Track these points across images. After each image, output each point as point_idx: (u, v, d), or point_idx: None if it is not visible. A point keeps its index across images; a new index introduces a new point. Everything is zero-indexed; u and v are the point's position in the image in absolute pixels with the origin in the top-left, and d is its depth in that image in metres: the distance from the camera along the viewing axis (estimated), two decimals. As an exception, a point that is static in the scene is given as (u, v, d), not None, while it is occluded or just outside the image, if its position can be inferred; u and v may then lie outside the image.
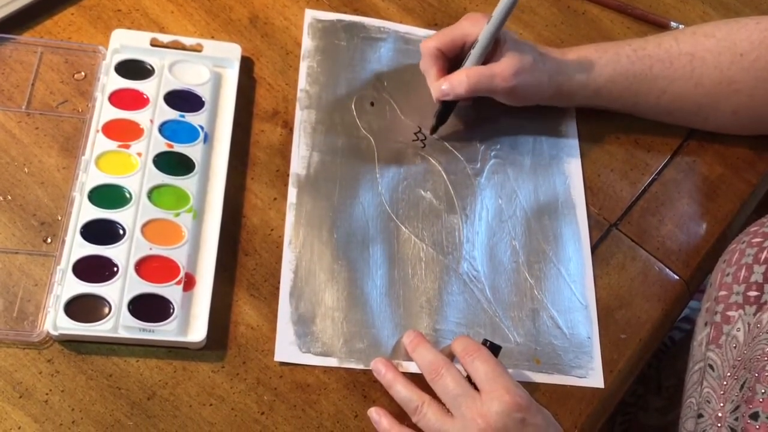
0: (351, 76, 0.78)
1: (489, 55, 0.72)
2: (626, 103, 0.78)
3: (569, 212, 0.76)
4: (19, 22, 0.73)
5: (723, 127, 0.80)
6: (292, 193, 0.71)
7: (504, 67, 0.71)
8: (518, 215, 0.74)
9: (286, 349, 0.64)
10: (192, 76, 0.73)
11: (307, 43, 0.79)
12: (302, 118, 0.75)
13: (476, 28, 0.71)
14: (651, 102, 0.77)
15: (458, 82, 0.71)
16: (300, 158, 0.73)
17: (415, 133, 0.77)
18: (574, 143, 0.80)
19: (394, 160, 0.75)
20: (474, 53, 0.71)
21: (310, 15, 0.81)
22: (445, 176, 0.75)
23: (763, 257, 0.64)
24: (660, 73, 0.75)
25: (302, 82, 0.77)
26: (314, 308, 0.66)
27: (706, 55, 0.75)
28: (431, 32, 0.83)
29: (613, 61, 0.75)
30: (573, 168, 0.78)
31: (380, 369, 0.64)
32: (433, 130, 0.76)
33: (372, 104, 0.77)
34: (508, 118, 0.78)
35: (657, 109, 0.78)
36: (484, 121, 0.78)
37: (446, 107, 0.75)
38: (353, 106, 0.77)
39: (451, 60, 0.74)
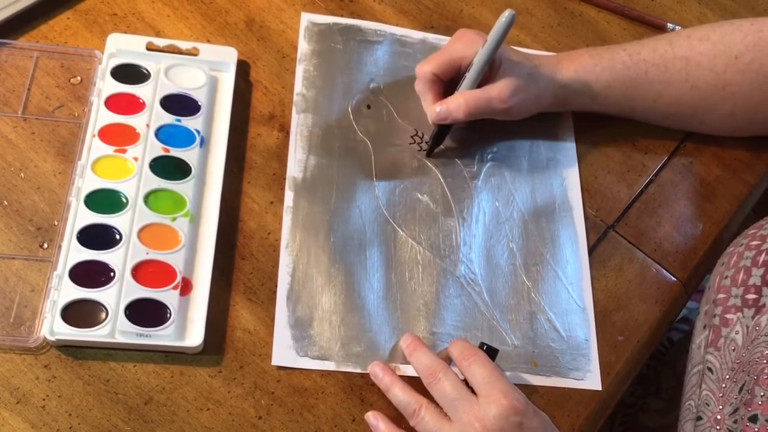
0: (347, 80, 0.78)
1: (484, 77, 0.72)
2: (623, 108, 0.78)
3: (566, 214, 0.76)
4: (14, 26, 0.73)
5: (720, 130, 0.80)
6: (288, 196, 0.71)
7: (500, 89, 0.71)
8: (515, 218, 0.74)
9: (284, 353, 0.64)
10: (188, 80, 0.73)
11: (303, 46, 0.79)
12: (299, 121, 0.75)
13: (471, 50, 0.71)
14: (647, 106, 0.77)
15: (456, 107, 0.71)
16: (297, 162, 0.73)
17: (412, 137, 0.77)
18: (571, 145, 0.79)
19: (391, 164, 0.75)
20: (469, 77, 0.71)
21: (306, 18, 0.81)
22: (441, 179, 0.75)
23: (761, 260, 0.64)
24: (655, 78, 0.75)
25: (298, 85, 0.77)
26: (311, 312, 0.66)
27: (701, 59, 0.75)
28: (427, 35, 0.83)
29: (609, 67, 0.75)
30: (570, 170, 0.78)
31: (378, 373, 0.64)
32: (429, 152, 0.76)
33: (369, 107, 0.77)
34: (505, 122, 0.77)
35: (653, 113, 0.78)
36: (480, 124, 0.78)
37: (442, 130, 0.74)
38: (350, 110, 0.77)
39: (447, 83, 0.74)
